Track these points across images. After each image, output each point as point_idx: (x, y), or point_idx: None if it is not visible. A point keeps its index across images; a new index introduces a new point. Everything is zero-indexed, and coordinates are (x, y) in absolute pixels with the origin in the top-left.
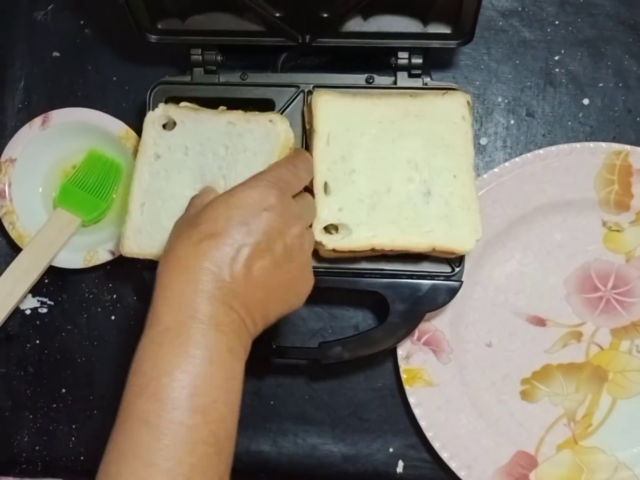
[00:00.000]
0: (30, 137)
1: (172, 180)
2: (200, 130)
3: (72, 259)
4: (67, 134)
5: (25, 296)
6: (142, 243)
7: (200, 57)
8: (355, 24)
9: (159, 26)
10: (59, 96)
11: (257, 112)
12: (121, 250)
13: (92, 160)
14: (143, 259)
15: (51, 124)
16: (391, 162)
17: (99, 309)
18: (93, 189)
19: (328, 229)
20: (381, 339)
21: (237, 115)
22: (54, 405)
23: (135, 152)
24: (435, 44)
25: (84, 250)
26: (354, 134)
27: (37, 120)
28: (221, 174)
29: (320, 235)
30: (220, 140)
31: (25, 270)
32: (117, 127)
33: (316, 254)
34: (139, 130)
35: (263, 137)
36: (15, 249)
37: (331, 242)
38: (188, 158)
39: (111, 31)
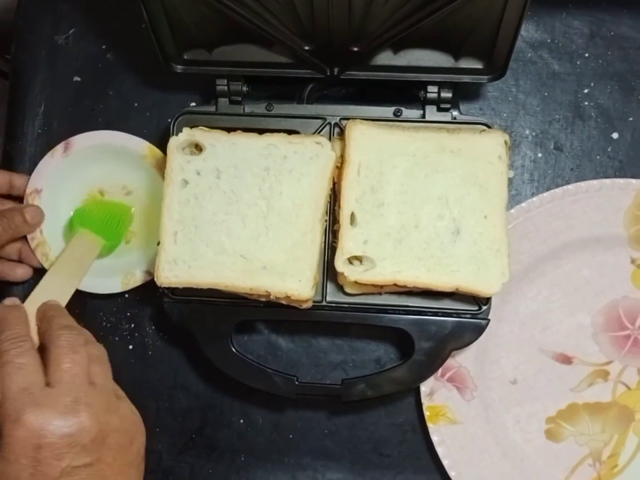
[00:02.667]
0: (53, 165)
1: (203, 206)
2: (235, 153)
3: (109, 283)
4: (90, 158)
5: None
6: (179, 272)
7: (226, 88)
8: (385, 58)
9: (185, 56)
10: (79, 121)
11: (300, 135)
12: (157, 281)
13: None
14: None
15: (73, 150)
16: (422, 198)
17: (117, 338)
18: (107, 220)
19: (351, 260)
20: (405, 377)
21: (279, 138)
22: None
23: (159, 167)
24: (466, 78)
25: (120, 274)
26: (386, 166)
27: (59, 148)
28: (261, 196)
29: (342, 266)
30: (259, 162)
31: (58, 285)
32: (140, 145)
33: (341, 289)
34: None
35: (310, 158)
36: None
37: (353, 274)
38: (221, 181)
39: (133, 56)
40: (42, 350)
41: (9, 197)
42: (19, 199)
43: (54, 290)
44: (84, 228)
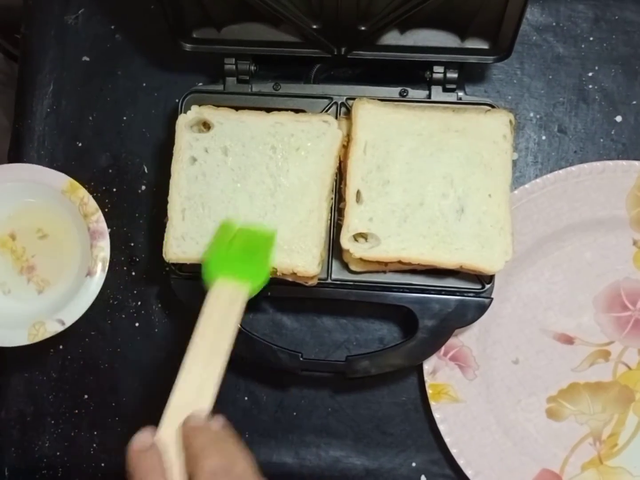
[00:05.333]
0: None
1: (211, 183)
2: (243, 131)
3: (12, 335)
4: (5, 197)
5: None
6: (186, 248)
7: (234, 67)
8: (391, 38)
9: (195, 35)
10: (88, 101)
11: (307, 113)
12: (164, 257)
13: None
14: (175, 264)
15: None
16: (427, 176)
17: (123, 316)
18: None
19: (356, 237)
20: (409, 354)
21: (286, 116)
22: (76, 411)
23: (81, 204)
24: (472, 59)
25: (27, 325)
26: (392, 145)
27: None
28: (268, 173)
29: (348, 243)
30: (266, 140)
31: (204, 366)
32: (58, 180)
33: (346, 267)
34: (164, 146)
35: (318, 137)
36: None
37: (359, 251)
38: (228, 159)
39: (142, 37)
40: None
41: None
42: None
43: (196, 381)
44: (224, 275)
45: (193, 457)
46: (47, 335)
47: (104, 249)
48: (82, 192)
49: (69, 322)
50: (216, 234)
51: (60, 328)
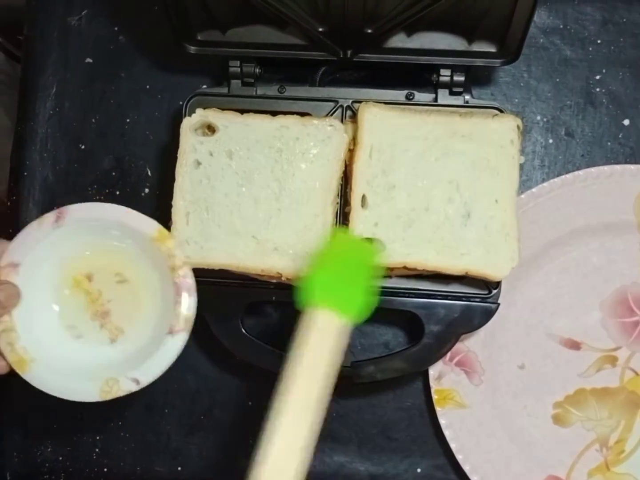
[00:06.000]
0: (39, 236)
1: (215, 187)
2: (248, 134)
3: (82, 389)
4: (84, 234)
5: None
6: (190, 252)
7: (239, 69)
8: (398, 40)
9: (199, 37)
10: (91, 103)
11: (313, 117)
12: None
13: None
14: None
15: (66, 220)
16: (433, 181)
17: None
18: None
19: None
20: (415, 359)
21: (291, 120)
22: (78, 416)
23: (167, 257)
24: (479, 62)
25: (99, 379)
26: (397, 149)
27: (50, 216)
28: (273, 177)
29: None
30: (271, 143)
31: (303, 409)
32: (149, 227)
33: None
34: (168, 149)
35: (323, 140)
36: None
37: None
38: (233, 162)
39: (146, 39)
40: None
41: None
42: None
43: (305, 401)
44: (324, 305)
45: None
46: (121, 394)
47: (189, 307)
48: (171, 243)
49: (144, 382)
50: (327, 248)
51: (134, 388)
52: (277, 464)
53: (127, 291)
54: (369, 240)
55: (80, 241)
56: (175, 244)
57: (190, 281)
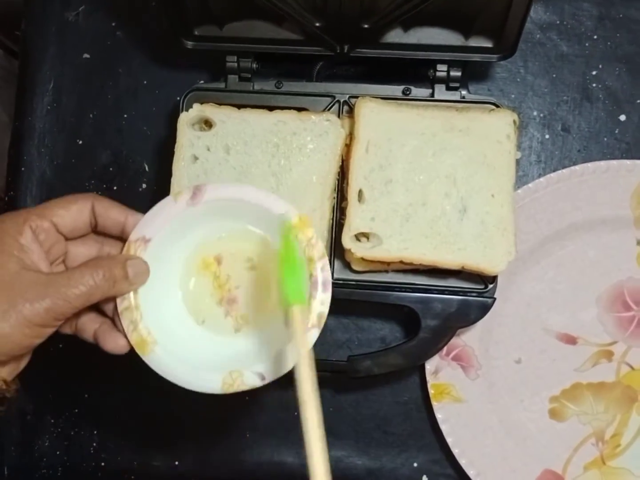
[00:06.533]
0: (173, 213)
1: (213, 181)
2: (245, 129)
3: (205, 379)
4: (220, 215)
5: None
6: None
7: (236, 65)
8: (395, 35)
9: (196, 32)
10: (88, 99)
11: (310, 112)
12: None
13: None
14: None
15: (204, 200)
16: (429, 176)
17: None
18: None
19: (358, 236)
20: (411, 354)
21: (288, 115)
22: (76, 410)
23: (307, 245)
24: (475, 57)
25: (222, 371)
26: (394, 144)
27: (186, 194)
28: (271, 172)
29: (349, 243)
30: (269, 138)
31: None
32: (289, 213)
33: (348, 266)
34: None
35: (320, 135)
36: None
37: (360, 250)
38: (230, 157)
39: (143, 34)
40: None
41: (119, 239)
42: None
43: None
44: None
45: None
46: (243, 388)
47: (324, 302)
48: (312, 232)
49: (269, 378)
50: (284, 256)
51: (259, 383)
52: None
53: (257, 279)
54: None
55: (214, 222)
56: (316, 234)
57: (327, 275)
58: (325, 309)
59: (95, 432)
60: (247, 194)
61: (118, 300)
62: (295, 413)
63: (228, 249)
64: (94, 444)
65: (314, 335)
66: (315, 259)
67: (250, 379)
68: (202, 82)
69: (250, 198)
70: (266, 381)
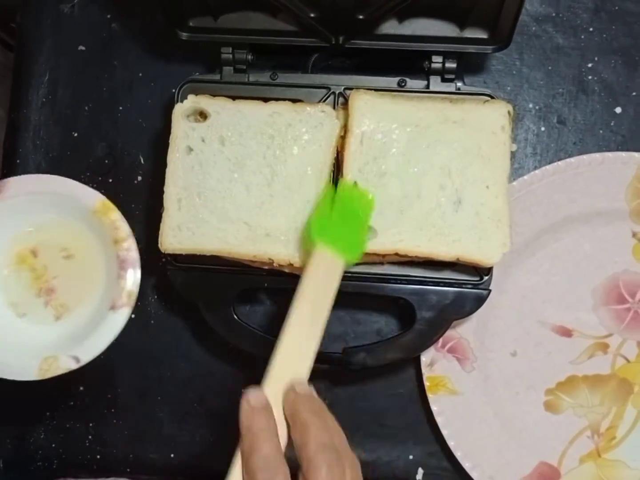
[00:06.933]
0: None
1: (208, 173)
2: (240, 120)
3: (19, 367)
4: (26, 209)
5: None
6: (183, 239)
7: (231, 56)
8: (390, 27)
9: (191, 23)
10: (83, 91)
11: (305, 103)
12: (160, 247)
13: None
14: (171, 254)
15: (7, 195)
16: (424, 168)
17: None
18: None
19: None
20: (407, 346)
21: (283, 106)
22: (72, 403)
23: (111, 228)
24: (470, 49)
25: (38, 357)
26: (389, 136)
27: None
28: (265, 163)
29: None
30: (264, 129)
31: (304, 333)
32: (92, 198)
33: None
34: (162, 137)
35: (315, 127)
36: None
37: None
38: (225, 149)
39: (139, 26)
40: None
41: None
42: None
43: (297, 346)
44: (325, 242)
45: (303, 426)
46: (59, 372)
47: (132, 281)
48: (115, 215)
49: (84, 359)
50: (321, 197)
51: (74, 366)
52: (289, 359)
53: (74, 267)
54: (360, 188)
55: (23, 215)
56: (120, 216)
57: (134, 254)
58: (136, 288)
59: (90, 424)
60: (50, 184)
61: None
62: None
63: (43, 241)
64: (90, 437)
65: (125, 313)
66: (120, 240)
67: (65, 362)
68: (197, 73)
69: (53, 188)
70: (81, 363)
